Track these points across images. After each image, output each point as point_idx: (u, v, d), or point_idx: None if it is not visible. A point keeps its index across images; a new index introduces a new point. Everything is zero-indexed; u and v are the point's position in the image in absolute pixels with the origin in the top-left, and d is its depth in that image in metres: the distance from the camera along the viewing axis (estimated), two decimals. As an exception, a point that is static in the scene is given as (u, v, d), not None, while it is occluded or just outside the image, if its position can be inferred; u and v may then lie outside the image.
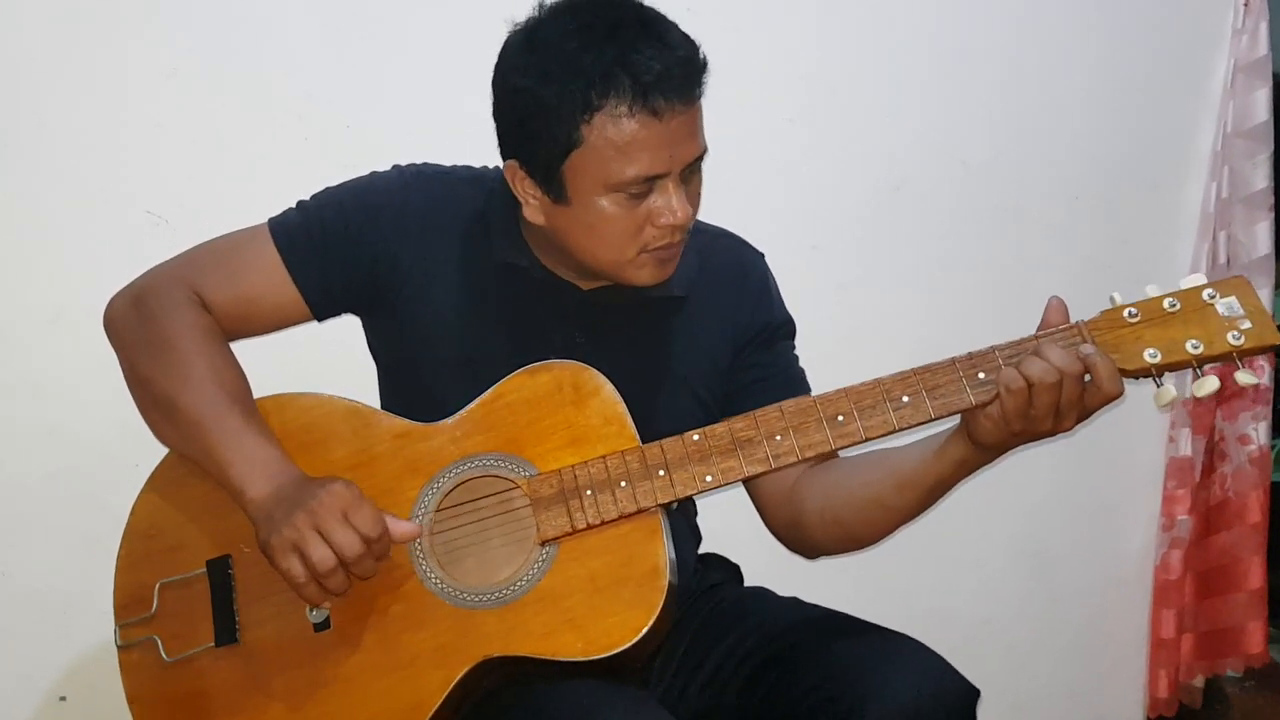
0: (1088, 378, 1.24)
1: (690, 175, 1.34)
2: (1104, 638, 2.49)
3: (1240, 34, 2.31)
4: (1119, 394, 1.24)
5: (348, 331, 1.52)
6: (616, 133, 1.26)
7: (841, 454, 1.43)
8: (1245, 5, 2.30)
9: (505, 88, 1.33)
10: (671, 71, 1.26)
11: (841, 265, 2.20)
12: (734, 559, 1.63)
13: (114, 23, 1.80)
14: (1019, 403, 1.22)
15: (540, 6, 1.33)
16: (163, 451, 1.42)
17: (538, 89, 1.28)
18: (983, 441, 1.27)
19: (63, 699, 1.83)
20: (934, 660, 1.28)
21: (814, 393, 1.41)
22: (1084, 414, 1.26)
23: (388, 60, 1.91)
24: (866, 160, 2.19)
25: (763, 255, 1.56)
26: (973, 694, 1.28)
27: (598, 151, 1.27)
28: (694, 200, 1.35)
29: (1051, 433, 1.26)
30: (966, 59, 2.22)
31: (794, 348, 1.54)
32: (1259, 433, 2.35)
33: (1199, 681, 2.49)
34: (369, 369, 1.53)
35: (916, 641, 1.31)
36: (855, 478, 1.39)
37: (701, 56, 1.30)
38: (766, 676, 1.34)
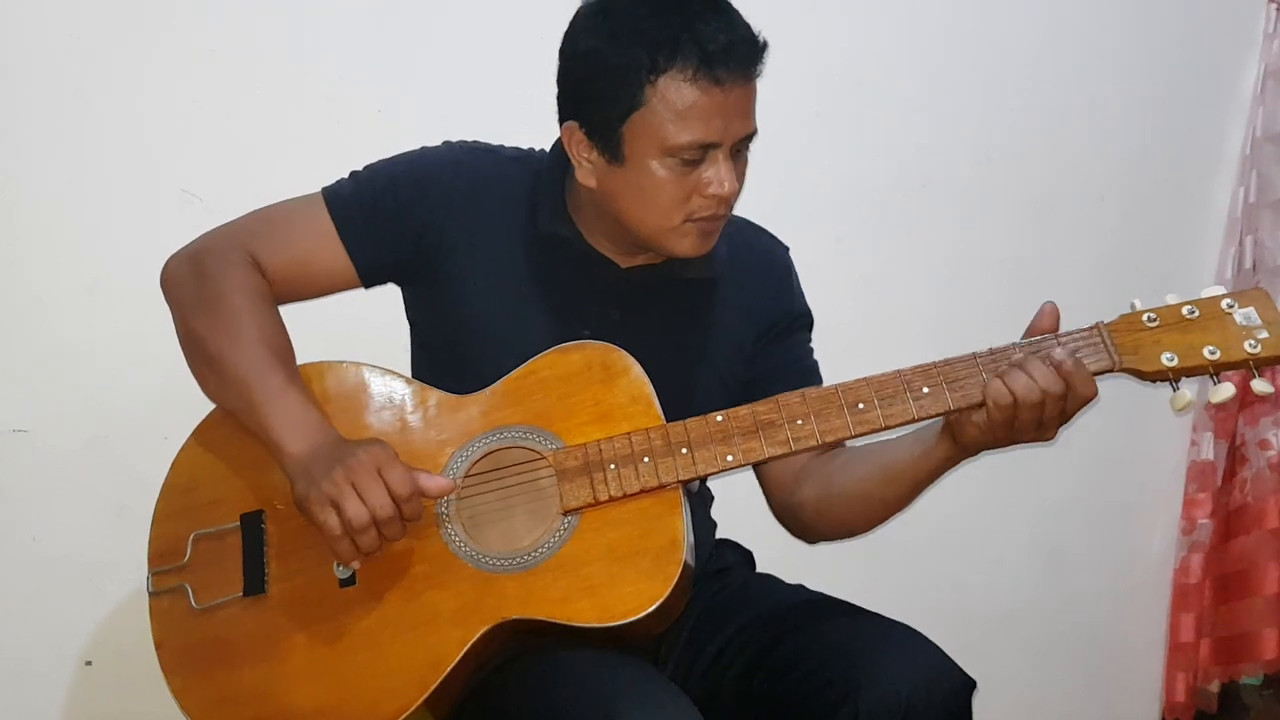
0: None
1: (738, 154, 1.38)
2: (1121, 639, 2.49)
3: (1271, 38, 2.32)
4: (1093, 395, 1.29)
5: (382, 304, 1.55)
6: (678, 97, 1.31)
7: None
8: (1277, 10, 2.31)
9: (574, 49, 1.38)
10: (735, 45, 1.32)
11: (865, 258, 2.21)
12: (749, 546, 1.65)
13: (154, 6, 1.84)
14: (1005, 415, 1.27)
15: None
16: (195, 420, 1.45)
17: (606, 50, 1.34)
18: (966, 445, 1.32)
19: (88, 664, 1.86)
20: (930, 650, 1.29)
21: (828, 384, 1.43)
22: (1064, 420, 1.30)
23: (419, 45, 1.94)
24: (892, 154, 2.20)
25: (788, 248, 1.59)
26: (968, 685, 1.29)
27: (657, 114, 1.32)
28: (740, 179, 1.39)
29: (1034, 440, 1.31)
30: (995, 55, 2.23)
31: (810, 340, 1.57)
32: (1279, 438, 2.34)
33: (1215, 686, 2.48)
34: (399, 341, 1.56)
35: (913, 630, 1.32)
36: (849, 469, 1.43)
37: (762, 38, 1.36)
38: (765, 662, 1.36)
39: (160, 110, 1.84)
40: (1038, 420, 1.28)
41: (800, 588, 1.51)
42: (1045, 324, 1.33)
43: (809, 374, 1.53)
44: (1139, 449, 2.42)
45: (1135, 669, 2.51)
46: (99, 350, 1.84)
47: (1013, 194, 2.27)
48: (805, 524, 1.48)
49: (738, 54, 1.32)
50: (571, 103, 1.40)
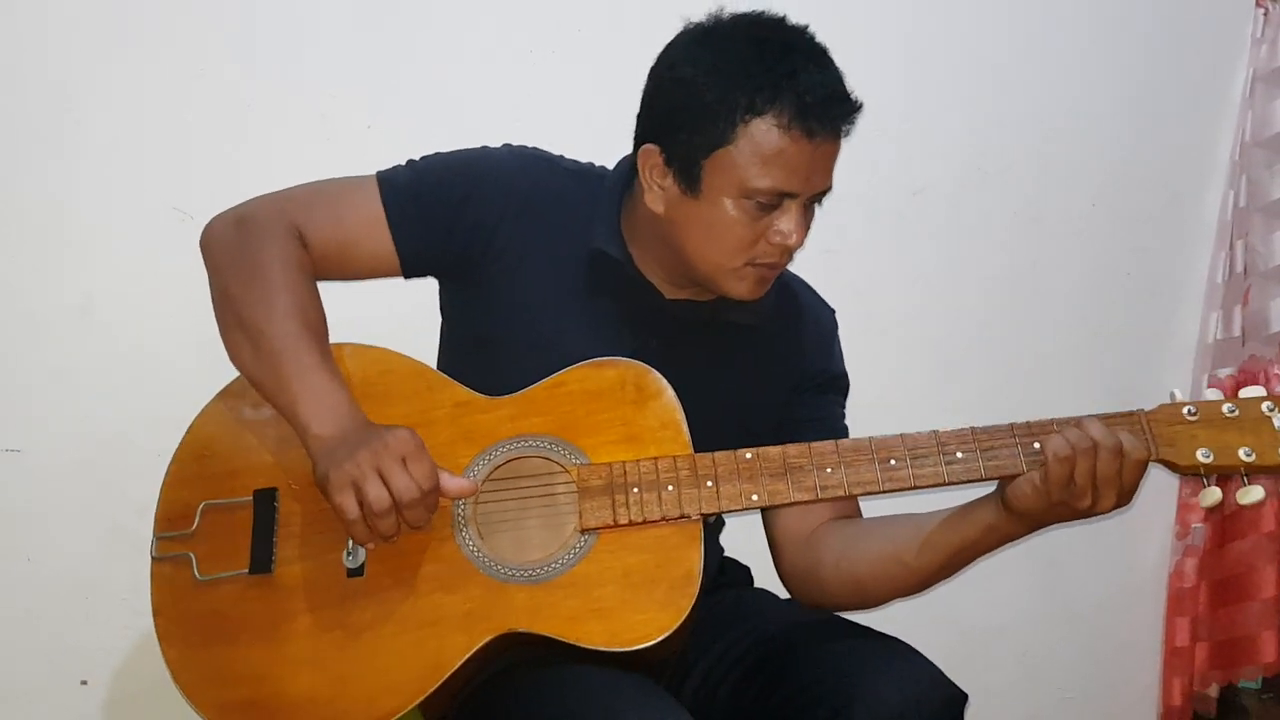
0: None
1: (809, 207, 1.38)
2: (1118, 645, 2.50)
3: (1260, 43, 2.33)
4: (1147, 456, 1.28)
5: (411, 295, 1.54)
6: (767, 141, 1.31)
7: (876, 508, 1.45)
8: (1265, 14, 2.32)
9: (670, 74, 1.37)
10: (833, 100, 1.32)
11: (857, 270, 2.21)
12: (745, 562, 1.65)
13: (145, 25, 1.83)
14: (1063, 471, 1.25)
15: (721, 10, 1.38)
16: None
17: (705, 81, 1.33)
18: (1018, 508, 1.29)
19: (84, 683, 1.86)
20: (921, 664, 1.29)
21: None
22: (1124, 491, 1.28)
23: (409, 61, 1.94)
24: (882, 165, 2.20)
25: (834, 311, 1.60)
26: (960, 699, 1.29)
27: (744, 155, 1.32)
28: (806, 230, 1.39)
29: (1090, 509, 1.28)
30: (983, 64, 2.24)
31: (843, 405, 1.57)
32: (1275, 441, 2.34)
33: (1214, 691, 2.49)
34: (419, 334, 1.54)
35: (906, 645, 1.32)
36: (880, 533, 1.41)
37: (858, 99, 1.35)
38: (757, 678, 1.36)
39: (151, 129, 1.85)
40: (1091, 477, 1.24)
41: (793, 603, 1.50)
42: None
43: (835, 434, 1.49)
44: (1133, 455, 2.42)
45: (1133, 674, 2.52)
46: (92, 369, 1.84)
47: (1004, 203, 2.28)
48: (820, 587, 1.44)
49: (834, 110, 1.32)
50: (656, 126, 1.38)
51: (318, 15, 1.90)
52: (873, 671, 1.26)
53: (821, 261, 2.14)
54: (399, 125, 1.91)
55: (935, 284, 2.25)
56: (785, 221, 1.34)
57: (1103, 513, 1.28)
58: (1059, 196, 2.31)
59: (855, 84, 2.13)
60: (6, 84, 1.79)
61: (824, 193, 1.38)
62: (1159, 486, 2.45)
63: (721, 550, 1.61)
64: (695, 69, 1.34)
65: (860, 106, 1.35)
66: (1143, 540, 2.48)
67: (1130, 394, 1.40)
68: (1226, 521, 2.43)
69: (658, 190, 1.38)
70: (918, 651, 1.31)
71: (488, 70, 1.95)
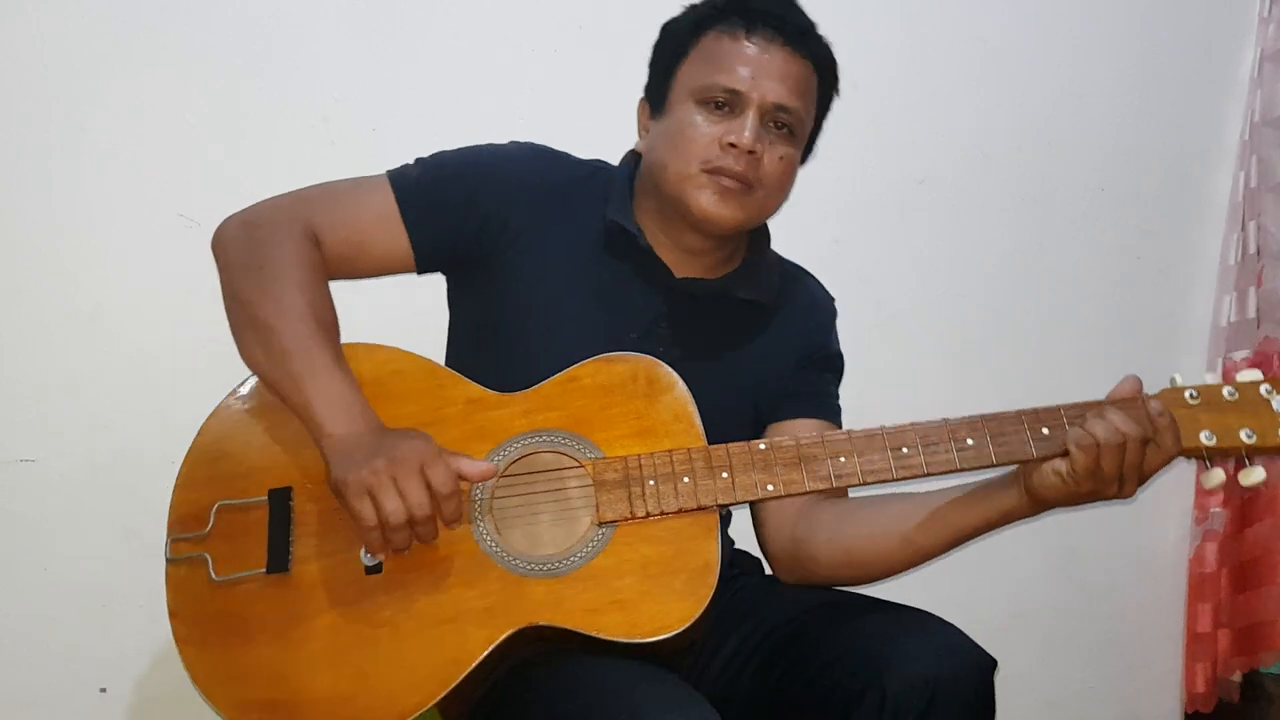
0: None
1: (775, 134, 1.43)
2: (1139, 632, 2.50)
3: (1267, 23, 2.32)
4: (1178, 453, 1.32)
5: (411, 295, 1.56)
6: (716, 46, 1.43)
7: (892, 490, 1.46)
8: (1272, -7, 2.31)
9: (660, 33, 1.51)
10: (785, 18, 1.43)
11: (864, 259, 2.21)
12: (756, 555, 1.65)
13: (149, 33, 1.85)
14: (1088, 461, 1.27)
15: None
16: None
17: (673, 24, 1.49)
18: (1042, 496, 1.32)
19: (103, 690, 1.87)
20: (951, 631, 1.30)
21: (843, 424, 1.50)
22: (1144, 478, 1.32)
23: (411, 65, 1.95)
24: (888, 153, 2.20)
25: (834, 299, 1.63)
26: (991, 664, 1.30)
27: (695, 64, 1.44)
28: (772, 163, 1.43)
29: (1115, 496, 1.31)
30: (989, 50, 2.24)
31: (837, 385, 1.59)
32: (1292, 424, 2.32)
33: (1237, 676, 2.47)
34: (425, 335, 1.54)
35: (932, 615, 1.33)
36: (881, 510, 1.42)
37: (822, 37, 1.45)
38: (782, 659, 1.36)
39: (156, 136, 1.86)
40: (1119, 469, 1.28)
41: (809, 588, 1.49)
42: (1126, 390, 1.34)
43: (829, 411, 1.54)
44: (1149, 440, 2.40)
45: (1155, 661, 2.51)
46: (103, 376, 1.85)
47: (1011, 189, 2.28)
48: (809, 560, 1.46)
49: (784, 25, 1.41)
50: (647, 81, 1.50)
51: (319, 19, 1.92)
52: (902, 637, 1.28)
53: (829, 251, 2.16)
54: (402, 127, 1.93)
55: (943, 271, 2.25)
56: (737, 125, 1.40)
57: (1125, 497, 1.32)
58: (1066, 181, 2.31)
59: (857, 73, 2.16)
60: (11, 92, 1.80)
61: (783, 110, 1.42)
62: (1176, 471, 2.43)
63: (732, 543, 1.62)
64: (673, 21, 1.48)
65: (812, 28, 1.43)
66: (1161, 525, 2.47)
67: (1144, 379, 1.40)
68: (1245, 505, 2.42)
69: (644, 135, 1.47)
70: (943, 619, 1.32)
71: (489, 70, 1.96)
